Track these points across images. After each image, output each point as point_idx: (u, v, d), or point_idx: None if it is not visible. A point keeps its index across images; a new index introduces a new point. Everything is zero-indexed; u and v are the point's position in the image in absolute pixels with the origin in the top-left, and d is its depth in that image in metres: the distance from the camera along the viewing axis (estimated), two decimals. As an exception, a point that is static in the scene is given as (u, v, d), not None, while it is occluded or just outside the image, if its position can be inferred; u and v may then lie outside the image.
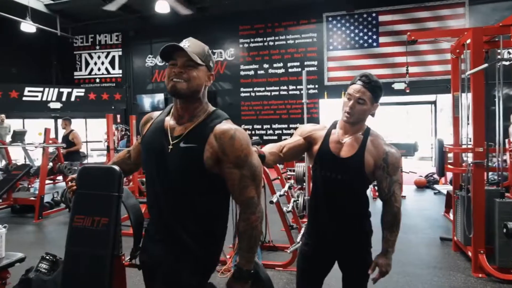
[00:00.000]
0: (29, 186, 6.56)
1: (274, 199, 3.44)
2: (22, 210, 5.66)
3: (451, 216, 4.33)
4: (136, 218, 1.70)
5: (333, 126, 1.73)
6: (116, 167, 1.57)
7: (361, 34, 10.41)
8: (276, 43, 11.08)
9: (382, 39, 10.25)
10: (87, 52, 12.76)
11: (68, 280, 1.60)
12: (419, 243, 4.04)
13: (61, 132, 6.78)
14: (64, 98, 11.15)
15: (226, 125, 1.31)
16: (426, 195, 6.77)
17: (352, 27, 10.47)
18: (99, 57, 12.69)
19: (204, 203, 1.35)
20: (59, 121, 11.08)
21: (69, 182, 1.62)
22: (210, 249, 1.39)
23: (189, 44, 1.32)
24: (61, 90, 11.21)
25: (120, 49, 12.53)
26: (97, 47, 12.70)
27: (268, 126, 11.02)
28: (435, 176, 7.01)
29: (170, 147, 1.32)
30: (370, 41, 10.35)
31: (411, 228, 4.61)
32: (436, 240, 4.08)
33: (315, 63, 10.73)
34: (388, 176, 1.59)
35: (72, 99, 11.28)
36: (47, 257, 2.85)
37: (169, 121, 1.39)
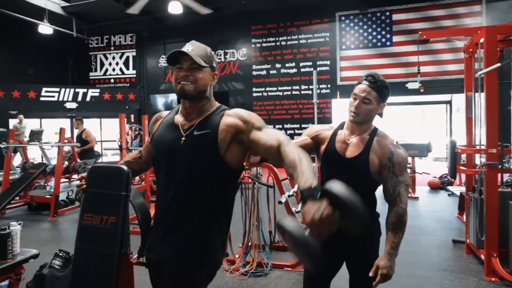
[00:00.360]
0: (45, 184, 6.72)
1: (283, 200, 3.44)
2: (38, 208, 5.81)
3: (464, 218, 4.25)
4: (143, 217, 1.73)
5: (340, 126, 1.73)
6: (125, 167, 1.60)
7: (374, 33, 10.31)
8: (289, 42, 11.06)
9: (396, 38, 10.12)
10: (102, 53, 12.99)
11: (77, 276, 1.65)
12: (430, 245, 3.98)
13: (77, 131, 6.93)
14: (79, 98, 11.39)
15: (237, 111, 1.40)
16: (439, 196, 6.65)
17: (365, 26, 10.37)
18: (113, 58, 12.90)
19: (213, 197, 1.38)
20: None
21: (80, 181, 1.66)
22: (215, 244, 1.42)
23: (192, 47, 1.37)
24: (77, 90, 11.45)
25: (134, 50, 12.72)
26: (112, 48, 12.91)
27: (280, 126, 11.00)
28: (449, 177, 6.88)
29: (183, 138, 1.37)
30: (383, 40, 10.23)
31: (423, 229, 4.54)
32: (448, 242, 4.01)
33: (328, 62, 10.67)
34: (393, 176, 1.57)
35: (88, 99, 11.52)
36: (61, 254, 2.92)
37: (179, 118, 1.44)
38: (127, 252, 1.70)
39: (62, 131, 5.80)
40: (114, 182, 1.62)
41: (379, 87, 1.59)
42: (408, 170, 6.18)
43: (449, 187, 6.46)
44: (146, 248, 1.55)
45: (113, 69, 12.92)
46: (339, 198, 1.00)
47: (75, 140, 6.72)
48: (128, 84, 12.73)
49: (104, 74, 12.99)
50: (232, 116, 1.36)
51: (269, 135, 1.33)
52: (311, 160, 1.25)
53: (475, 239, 3.40)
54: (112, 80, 12.92)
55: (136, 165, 1.70)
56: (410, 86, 9.30)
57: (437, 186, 7.13)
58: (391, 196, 1.59)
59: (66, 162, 6.16)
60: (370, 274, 1.55)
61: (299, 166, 1.18)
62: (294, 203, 3.85)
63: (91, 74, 13.05)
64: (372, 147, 1.61)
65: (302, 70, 10.87)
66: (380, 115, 1.65)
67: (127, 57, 12.77)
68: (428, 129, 12.56)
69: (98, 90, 11.84)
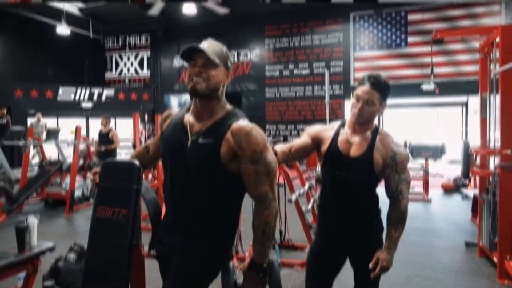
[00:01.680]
0: (62, 181, 6.89)
1: (293, 198, 3.47)
2: (54, 204, 5.96)
3: (477, 220, 4.19)
4: (154, 211, 1.78)
5: (342, 125, 1.74)
6: (136, 162, 1.64)
7: (389, 33, 10.23)
8: (302, 43, 11.06)
9: (411, 39, 10.02)
10: (117, 53, 13.23)
11: (90, 266, 1.71)
12: (442, 247, 3.94)
13: (92, 131, 7.02)
14: (95, 98, 11.64)
15: (243, 122, 1.37)
16: (453, 199, 6.55)
17: (380, 27, 10.29)
18: (128, 58, 13.13)
19: (219, 196, 1.40)
20: (92, 119, 11.56)
21: (95, 176, 1.73)
22: (221, 238, 1.45)
23: (208, 45, 1.37)
24: (92, 90, 11.71)
25: (149, 50, 12.90)
26: (127, 49, 13.13)
27: (293, 127, 11.01)
28: (462, 177, 6.77)
29: (189, 143, 1.37)
30: (398, 41, 10.14)
31: (435, 232, 4.51)
32: (460, 245, 3.96)
33: (341, 63, 10.63)
34: (396, 174, 1.61)
35: (103, 99, 11.76)
36: (75, 248, 3.02)
37: (189, 118, 1.44)
38: (138, 245, 1.76)
39: (78, 129, 5.95)
40: (126, 177, 1.66)
41: (381, 88, 1.60)
42: (421, 172, 6.07)
43: (463, 190, 6.36)
44: (156, 241, 1.59)
45: (128, 69, 13.16)
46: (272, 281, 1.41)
47: (97, 137, 6.85)
48: (142, 84, 12.93)
49: (119, 74, 13.23)
50: (234, 137, 1.34)
51: (257, 174, 1.34)
52: (273, 232, 1.39)
53: (488, 241, 3.36)
54: (126, 80, 13.15)
55: (144, 160, 1.74)
56: (425, 87, 9.19)
57: (451, 189, 7.03)
58: (393, 193, 1.63)
59: (81, 160, 6.30)
60: (370, 265, 1.58)
61: (260, 237, 1.35)
62: (304, 202, 3.89)
63: (106, 74, 13.31)
64: (375, 146, 1.63)
65: (315, 71, 10.86)
66: (381, 113, 1.70)
67: (142, 58, 12.98)
68: (444, 131, 12.37)
69: (113, 90, 12.07)
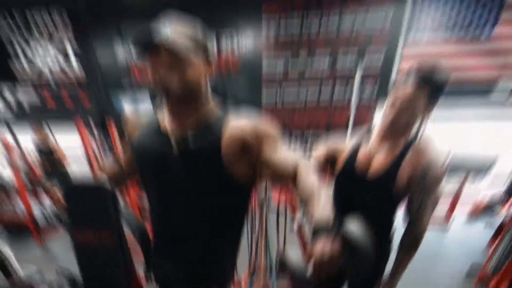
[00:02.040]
0: (12, 204, 8.14)
1: (295, 226, 4.42)
2: (19, 231, 7.33)
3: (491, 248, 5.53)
4: (140, 234, 2.26)
5: (366, 133, 2.10)
6: (107, 184, 1.99)
7: (464, 16, 9.82)
8: (322, 25, 11.01)
9: (502, 28, 9.62)
10: (20, 37, 13.57)
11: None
12: (445, 274, 5.63)
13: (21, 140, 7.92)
14: (4, 98, 12.79)
15: (246, 120, 1.68)
16: (474, 227, 8.07)
17: (450, 5, 9.86)
18: (41, 45, 13.56)
19: (218, 213, 1.73)
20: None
21: (56, 200, 2.46)
22: (221, 263, 1.83)
23: (173, 29, 1.53)
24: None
25: (72, 34, 13.13)
26: (37, 31, 13.38)
27: (300, 141, 11.83)
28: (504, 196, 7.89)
29: (175, 152, 1.66)
30: (479, 28, 9.75)
31: (442, 259, 6.30)
32: (462, 273, 5.61)
33: (382, 54, 10.68)
34: (422, 194, 1.93)
35: (25, 104, 12.89)
36: (63, 274, 4.01)
37: (166, 122, 1.72)
38: (133, 270, 2.31)
39: (4, 142, 6.90)
40: (99, 201, 2.05)
41: (433, 89, 1.76)
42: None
43: (492, 214, 7.76)
44: (151, 265, 2.07)
45: (46, 60, 13.66)
46: (357, 246, 1.48)
47: (37, 151, 7.99)
48: (73, 81, 13.50)
49: (34, 67, 13.73)
50: (240, 127, 1.58)
51: (285, 157, 1.60)
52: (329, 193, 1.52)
53: (494, 265, 4.73)
54: (48, 75, 13.69)
55: (119, 178, 2.14)
56: (501, 86, 9.51)
57: (479, 211, 8.37)
58: (413, 216, 2.01)
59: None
60: None
61: (316, 195, 1.55)
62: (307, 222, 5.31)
63: (13, 67, 13.78)
64: (402, 164, 1.91)
65: (340, 64, 11.10)
66: (426, 120, 1.96)
67: (63, 44, 13.40)
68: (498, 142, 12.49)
69: (29, 88, 13.11)
